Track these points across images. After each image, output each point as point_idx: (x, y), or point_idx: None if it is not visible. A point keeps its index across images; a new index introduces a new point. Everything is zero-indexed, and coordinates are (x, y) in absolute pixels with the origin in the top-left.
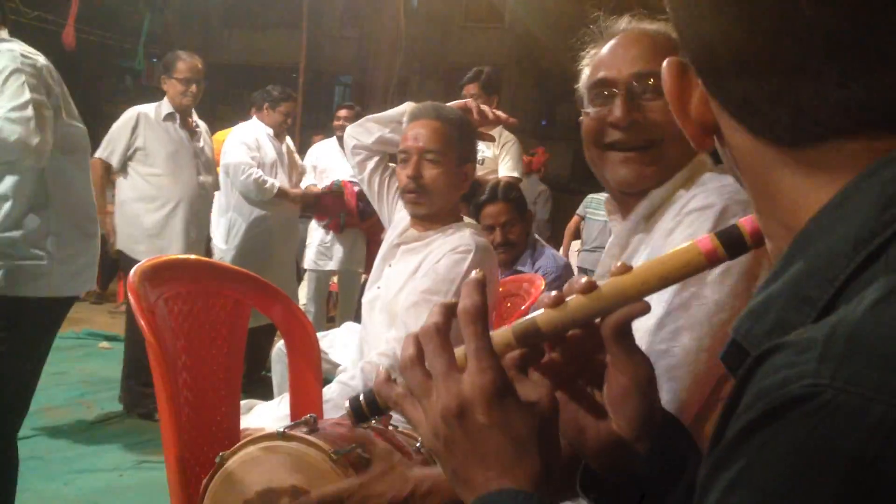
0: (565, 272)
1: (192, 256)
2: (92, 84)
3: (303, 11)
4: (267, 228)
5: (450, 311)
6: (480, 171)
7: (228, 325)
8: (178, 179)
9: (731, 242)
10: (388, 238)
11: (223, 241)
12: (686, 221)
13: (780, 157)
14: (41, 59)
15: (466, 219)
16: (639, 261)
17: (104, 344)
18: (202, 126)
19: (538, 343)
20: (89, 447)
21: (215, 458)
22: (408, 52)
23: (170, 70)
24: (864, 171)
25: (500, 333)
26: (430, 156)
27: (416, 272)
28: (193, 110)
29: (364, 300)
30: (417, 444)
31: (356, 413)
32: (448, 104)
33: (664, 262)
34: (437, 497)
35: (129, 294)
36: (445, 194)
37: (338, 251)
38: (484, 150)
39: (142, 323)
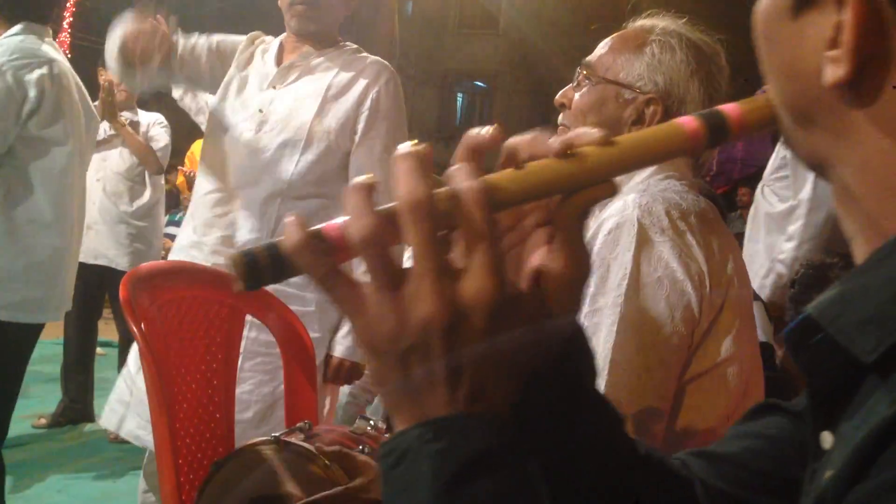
0: None
1: (188, 262)
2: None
3: None
4: None
5: (432, 187)
6: None
7: (224, 331)
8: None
9: (714, 127)
10: (260, 64)
11: None
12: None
13: None
14: (36, 63)
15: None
16: None
17: (98, 350)
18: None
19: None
20: (84, 453)
21: (210, 466)
22: (402, 58)
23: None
24: None
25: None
26: None
27: (328, 93)
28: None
29: (233, 124)
30: None
31: (250, 270)
32: None
33: (647, 139)
34: None
35: (121, 301)
36: (335, 8)
37: None
38: None
39: (134, 330)
